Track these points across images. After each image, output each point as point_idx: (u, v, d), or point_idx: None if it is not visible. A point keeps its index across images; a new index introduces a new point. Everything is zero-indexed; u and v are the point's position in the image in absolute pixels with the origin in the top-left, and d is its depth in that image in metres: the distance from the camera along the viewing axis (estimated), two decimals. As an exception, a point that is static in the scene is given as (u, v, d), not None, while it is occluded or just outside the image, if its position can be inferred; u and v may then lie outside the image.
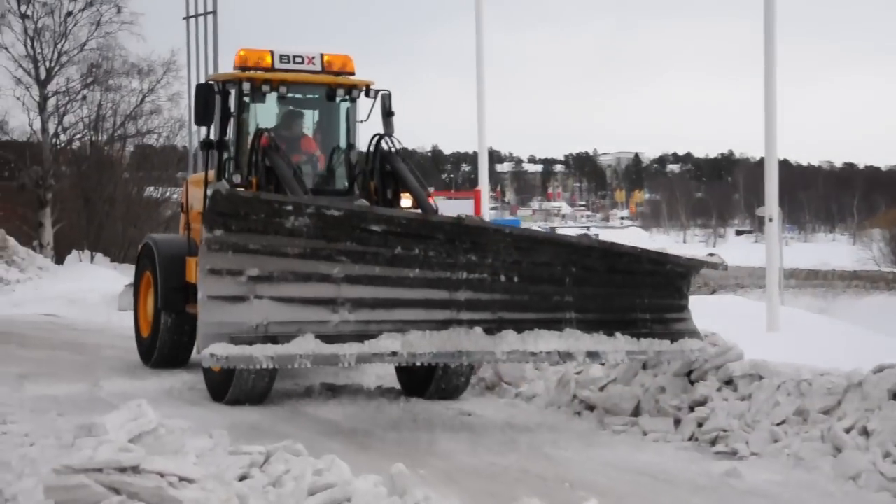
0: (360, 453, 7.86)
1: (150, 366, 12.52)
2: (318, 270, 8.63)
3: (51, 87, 35.13)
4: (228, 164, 11.65)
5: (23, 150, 35.85)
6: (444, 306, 8.97)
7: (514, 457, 7.96)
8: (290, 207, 8.56)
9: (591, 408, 9.70)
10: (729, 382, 9.11)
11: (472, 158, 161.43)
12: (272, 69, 11.66)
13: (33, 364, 12.17)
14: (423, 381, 10.78)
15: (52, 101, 35.20)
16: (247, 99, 11.59)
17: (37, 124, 35.10)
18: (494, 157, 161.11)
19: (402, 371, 11.08)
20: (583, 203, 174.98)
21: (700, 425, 8.68)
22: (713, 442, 8.40)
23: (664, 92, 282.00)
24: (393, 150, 11.62)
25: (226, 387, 10.06)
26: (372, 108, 11.91)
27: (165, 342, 12.35)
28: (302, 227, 8.56)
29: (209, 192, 8.49)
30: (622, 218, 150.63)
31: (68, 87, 35.69)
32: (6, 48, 34.80)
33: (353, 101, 11.99)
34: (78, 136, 36.77)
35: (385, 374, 11.70)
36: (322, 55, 11.96)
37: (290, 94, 11.76)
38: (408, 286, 8.87)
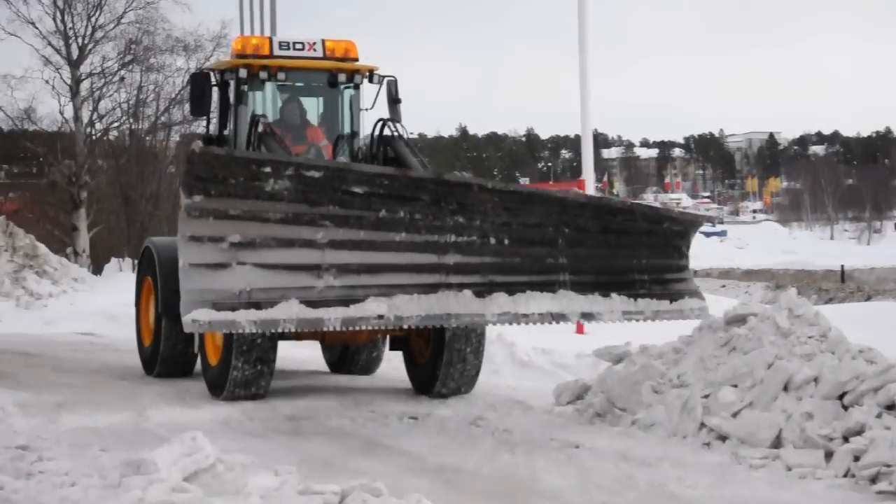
0: (450, 492, 7.90)
1: (153, 375, 13.79)
2: (302, 236, 9.81)
3: (84, 68, 35.76)
4: None
5: (53, 141, 36.54)
6: (433, 270, 10.17)
7: (633, 496, 7.93)
8: (268, 169, 9.66)
9: (722, 438, 9.61)
10: (891, 407, 8.95)
11: (573, 143, 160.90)
12: (271, 56, 12.84)
13: (70, 391, 12.43)
14: (430, 376, 12.23)
15: (85, 84, 35.82)
16: (245, 87, 12.82)
17: (69, 111, 35.78)
18: (600, 140, 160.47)
19: (411, 369, 12.67)
20: (707, 194, 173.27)
21: (856, 459, 8.54)
22: (874, 479, 8.26)
23: (805, 59, 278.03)
24: (395, 134, 12.72)
25: (223, 380, 11.61)
26: (378, 95, 13.03)
27: (167, 349, 13.56)
28: (282, 190, 9.69)
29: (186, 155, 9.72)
30: (754, 211, 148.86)
31: (104, 68, 36.35)
32: (33, 23, 35.56)
33: (356, 87, 13.23)
34: (115, 124, 37.44)
35: (475, 400, 11.74)
36: (323, 41, 13.15)
37: (289, 82, 13.00)
38: (394, 250, 10.07)
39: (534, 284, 10.43)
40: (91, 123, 36.57)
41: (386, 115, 12.99)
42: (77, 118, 35.49)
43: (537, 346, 14.86)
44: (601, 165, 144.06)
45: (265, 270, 9.67)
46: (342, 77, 13.08)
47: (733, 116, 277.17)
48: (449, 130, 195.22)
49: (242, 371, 11.49)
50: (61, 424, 10.29)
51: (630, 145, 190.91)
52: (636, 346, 11.49)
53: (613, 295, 10.62)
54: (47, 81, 35.73)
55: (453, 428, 10.42)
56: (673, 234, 11.15)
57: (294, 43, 13.09)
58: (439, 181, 10.28)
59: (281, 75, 12.80)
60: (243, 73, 12.70)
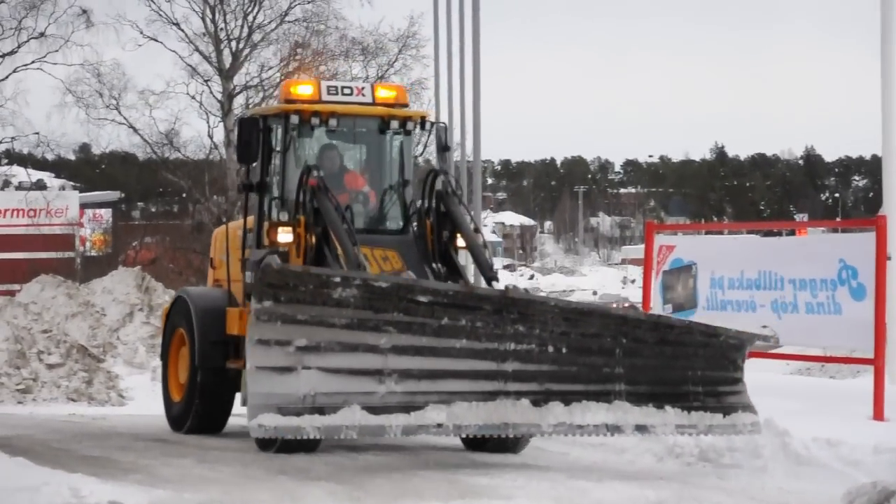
0: None
1: (184, 432, 16.87)
2: (365, 341, 12.57)
3: (238, 79, 36.69)
4: (272, 204, 15.75)
5: (200, 172, 37.47)
6: (492, 377, 12.98)
7: None
8: (337, 279, 12.52)
9: None
10: None
11: (869, 167, 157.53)
12: (320, 101, 15.72)
13: (218, 488, 12.67)
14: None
15: (239, 100, 36.74)
16: (294, 133, 15.65)
17: (219, 134, 36.70)
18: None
19: None
20: None
21: None
22: None
23: None
24: (450, 190, 15.60)
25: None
26: (427, 142, 16.82)
27: (202, 403, 16.60)
28: (349, 297, 12.45)
29: (260, 265, 12.46)
30: None
31: (262, 79, 37.21)
32: (177, 24, 36.67)
33: (408, 133, 16.19)
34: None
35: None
36: (373, 86, 16.33)
37: (340, 128, 15.89)
38: (454, 357, 12.86)
39: (590, 394, 13.18)
40: (246, 149, 37.36)
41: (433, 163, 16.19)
42: (229, 142, 36.21)
43: (819, 436, 14.54)
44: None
45: (329, 374, 12.45)
46: (395, 124, 15.97)
47: None
48: (701, 152, 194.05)
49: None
50: (206, 530, 10.51)
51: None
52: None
53: (667, 407, 13.36)
54: (193, 97, 36.85)
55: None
56: (729, 346, 13.86)
57: (343, 87, 16.07)
58: (505, 299, 13.04)
59: (332, 122, 15.63)
60: (294, 119, 15.50)
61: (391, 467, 13.82)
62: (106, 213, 61.11)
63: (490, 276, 15.02)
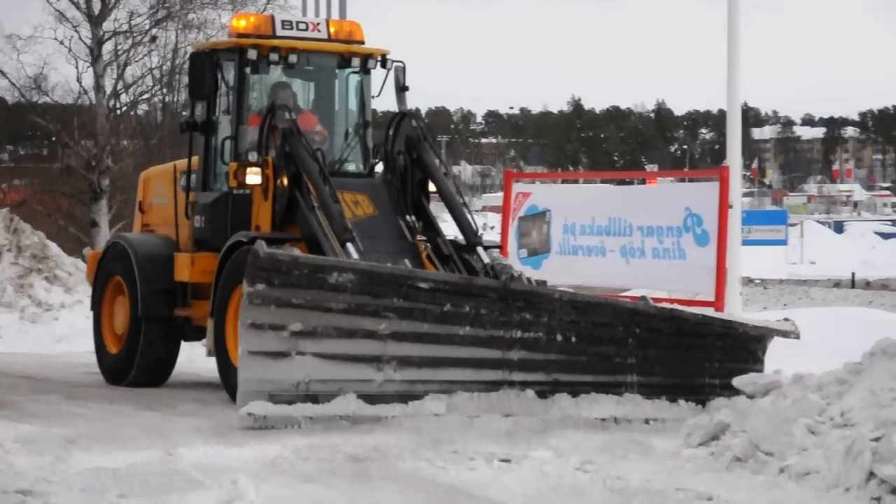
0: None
1: (125, 384, 15.59)
2: (364, 326, 11.92)
3: (107, 26, 36.08)
4: (224, 144, 14.90)
5: (68, 116, 36.99)
6: (496, 366, 12.31)
7: (779, 563, 7.89)
8: (331, 265, 11.97)
9: (896, 492, 9.53)
10: None
11: (716, 120, 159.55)
12: (274, 36, 14.78)
13: (85, 423, 12.64)
14: None
15: (108, 46, 36.16)
16: (248, 70, 14.74)
17: (88, 79, 36.18)
18: (750, 117, 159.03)
19: None
20: (886, 185, 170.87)
21: None
22: None
23: None
24: (421, 137, 14.65)
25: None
26: (385, 82, 15.31)
27: (147, 355, 15.51)
28: (346, 282, 11.82)
29: (251, 250, 11.59)
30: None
31: (132, 25, 36.68)
32: (44, -34, 35.99)
33: (367, 72, 15.36)
34: (145, 95, 37.79)
35: (582, 441, 11.71)
36: (328, 21, 15.56)
37: (299, 65, 14.87)
38: (457, 344, 12.18)
39: (599, 385, 12.55)
40: (115, 94, 37.00)
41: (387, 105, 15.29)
42: (98, 88, 35.81)
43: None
44: (751, 148, 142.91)
45: (324, 361, 11.82)
46: (355, 61, 15.09)
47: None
48: (559, 104, 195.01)
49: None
50: (73, 464, 10.44)
51: (789, 123, 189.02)
52: (788, 375, 11.43)
53: (681, 401, 12.72)
54: (62, 42, 36.21)
55: (554, 473, 10.43)
56: (749, 338, 13.28)
57: (297, 22, 15.09)
58: (507, 290, 12.34)
59: (292, 57, 14.65)
60: (252, 53, 14.56)
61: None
62: (-27, 156, 59.95)
63: (475, 242, 14.33)
